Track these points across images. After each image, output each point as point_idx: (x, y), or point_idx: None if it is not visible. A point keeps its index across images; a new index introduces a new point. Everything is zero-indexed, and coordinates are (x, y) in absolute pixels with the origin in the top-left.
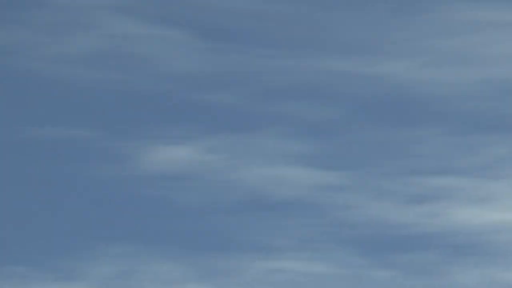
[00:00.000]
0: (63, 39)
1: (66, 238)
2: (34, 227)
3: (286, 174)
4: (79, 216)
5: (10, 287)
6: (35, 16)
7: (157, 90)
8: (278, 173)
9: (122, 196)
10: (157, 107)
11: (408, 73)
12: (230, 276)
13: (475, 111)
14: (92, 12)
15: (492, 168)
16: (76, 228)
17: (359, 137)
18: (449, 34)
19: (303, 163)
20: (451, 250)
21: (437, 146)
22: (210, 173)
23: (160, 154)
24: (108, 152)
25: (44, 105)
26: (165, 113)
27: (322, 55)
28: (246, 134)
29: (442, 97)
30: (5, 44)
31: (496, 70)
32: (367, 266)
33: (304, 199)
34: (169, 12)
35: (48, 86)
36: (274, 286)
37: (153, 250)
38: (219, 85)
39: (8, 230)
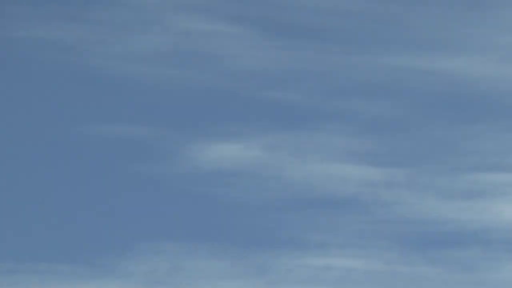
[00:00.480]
0: (129, 38)
1: (118, 235)
2: (87, 223)
3: (341, 171)
4: (135, 213)
5: (55, 285)
6: (102, 15)
7: (221, 88)
8: (333, 171)
9: (177, 193)
10: (220, 105)
11: (470, 69)
12: (280, 273)
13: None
14: (158, 10)
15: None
16: (130, 225)
17: (416, 134)
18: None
19: (359, 160)
20: (499, 247)
21: (492, 143)
22: (266, 170)
23: (218, 151)
24: (166, 149)
25: (109, 102)
26: (227, 110)
27: (390, 52)
28: (304, 132)
29: (499, 93)
30: (72, 42)
31: None
32: (412, 262)
33: (358, 196)
34: (236, 9)
35: (114, 83)
36: (323, 283)
37: (205, 246)
38: (282, 83)
39: (59, 226)
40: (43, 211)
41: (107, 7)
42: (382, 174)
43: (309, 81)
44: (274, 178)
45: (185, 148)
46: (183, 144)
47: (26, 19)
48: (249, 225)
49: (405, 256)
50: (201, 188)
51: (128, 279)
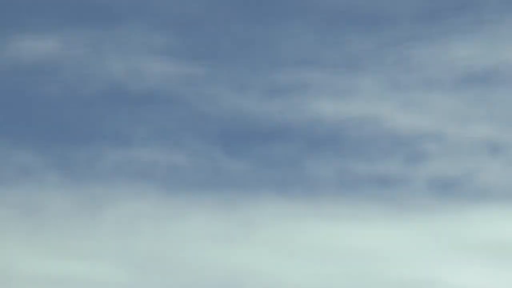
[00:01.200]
0: None
1: None
2: None
3: (148, 65)
4: None
5: None
6: None
7: None
8: (139, 65)
9: None
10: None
11: None
12: (88, 166)
13: (343, 6)
14: None
15: (356, 62)
16: None
17: (223, 30)
18: None
19: (166, 55)
20: (311, 142)
21: (302, 40)
22: (71, 64)
23: (20, 45)
24: None
25: None
26: (25, 4)
27: None
28: (108, 27)
29: None
30: None
31: None
32: (223, 158)
33: (165, 90)
34: None
35: None
36: (132, 175)
37: (11, 140)
38: None
39: None
40: None
41: None
42: (183, 69)
43: None
44: (74, 73)
45: None
46: None
47: None
48: (58, 120)
49: (212, 150)
50: (5, 83)
51: None
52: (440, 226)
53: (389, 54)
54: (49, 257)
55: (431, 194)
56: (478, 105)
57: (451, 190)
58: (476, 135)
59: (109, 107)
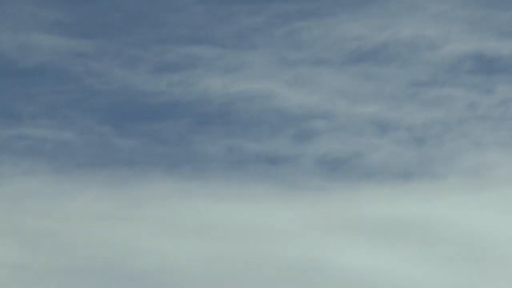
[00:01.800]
0: None
1: None
2: None
3: (35, 40)
4: None
5: None
6: None
7: None
8: (26, 40)
9: None
10: None
11: None
12: None
13: None
14: None
15: (245, 38)
16: None
17: (112, 5)
18: None
19: (54, 30)
20: (200, 119)
21: (191, 15)
22: None
23: None
24: None
25: None
26: None
27: None
28: None
29: None
30: None
31: None
32: (112, 134)
33: (54, 66)
34: None
35: None
36: (19, 153)
37: None
38: None
39: None
40: None
41: None
42: (72, 45)
43: None
44: None
45: None
46: None
47: None
48: None
49: (97, 127)
50: None
51: None
52: (328, 205)
53: (278, 30)
54: None
55: (320, 173)
56: (368, 83)
57: (340, 169)
58: (365, 114)
59: None
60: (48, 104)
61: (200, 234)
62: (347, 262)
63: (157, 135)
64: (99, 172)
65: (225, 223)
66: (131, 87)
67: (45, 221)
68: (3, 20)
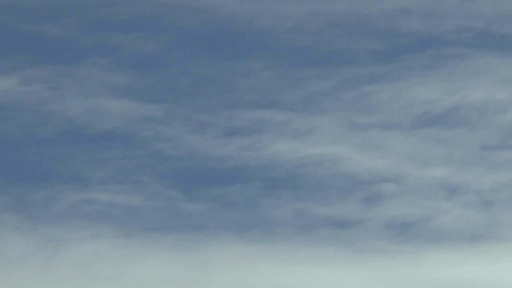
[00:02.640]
0: None
1: None
2: None
3: (106, 106)
4: None
5: None
6: None
7: None
8: (97, 105)
9: None
10: None
11: (236, 5)
12: (46, 207)
13: (301, 45)
14: None
15: (314, 102)
16: None
17: (181, 70)
18: None
19: (123, 95)
20: (269, 184)
21: (260, 80)
22: (30, 104)
23: None
24: None
25: None
26: None
27: None
28: (68, 66)
29: (269, 30)
30: None
31: (326, 3)
32: (181, 199)
33: (123, 131)
34: None
35: None
36: (88, 217)
37: None
38: (46, 16)
39: None
40: None
41: None
42: (141, 109)
43: (70, 15)
44: (33, 112)
45: None
46: None
47: None
48: (16, 159)
49: (169, 192)
50: None
51: None
52: (396, 269)
53: (347, 94)
54: None
55: (388, 236)
56: (437, 147)
57: (408, 232)
58: (434, 177)
59: (67, 147)
60: (117, 169)
61: None
62: None
63: (226, 199)
64: (168, 236)
65: (293, 286)
66: (199, 151)
67: (114, 285)
68: (73, 85)
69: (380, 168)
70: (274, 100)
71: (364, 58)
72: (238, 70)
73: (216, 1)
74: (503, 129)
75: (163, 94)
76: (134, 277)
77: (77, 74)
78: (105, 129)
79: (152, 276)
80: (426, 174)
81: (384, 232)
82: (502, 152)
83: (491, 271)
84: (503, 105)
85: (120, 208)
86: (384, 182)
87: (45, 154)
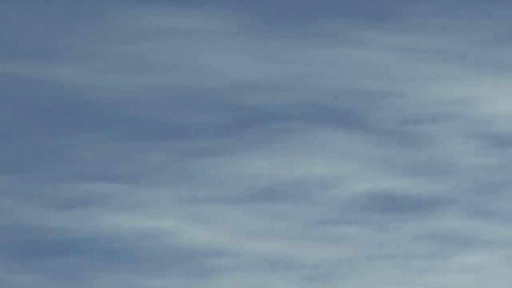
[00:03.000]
0: None
1: None
2: None
3: None
4: None
5: None
6: None
7: None
8: None
9: None
10: None
11: (74, 78)
12: None
13: (134, 118)
14: None
15: (146, 175)
16: None
17: (19, 142)
18: (121, 40)
19: None
20: (99, 256)
21: (93, 152)
22: None
23: None
24: None
25: None
26: None
27: None
28: None
29: (102, 103)
30: None
31: (159, 76)
32: (11, 271)
33: None
34: None
35: None
36: None
37: None
38: None
39: None
40: None
41: None
42: None
43: None
44: None
45: None
46: None
47: None
48: None
49: (4, 264)
50: None
51: None
52: None
53: (188, 167)
54: None
55: None
56: (276, 221)
57: None
58: (272, 251)
59: None
60: None
61: None
62: None
63: (55, 271)
64: None
65: None
66: (38, 224)
67: None
68: None
69: (216, 241)
70: (104, 173)
71: (205, 131)
72: (81, 142)
73: (61, 73)
74: (343, 204)
75: (6, 166)
76: None
77: None
78: None
79: None
80: (264, 248)
81: None
82: (342, 226)
83: None
84: (342, 180)
85: None
86: (220, 256)
87: None
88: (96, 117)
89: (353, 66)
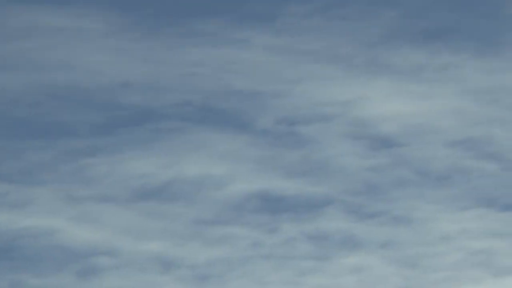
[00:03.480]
0: None
1: None
2: None
3: None
4: None
5: None
6: None
7: None
8: None
9: None
10: None
11: None
12: None
13: (19, 116)
14: None
15: (32, 174)
16: None
17: None
18: (2, 39)
19: None
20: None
21: None
22: None
23: None
24: None
25: None
26: None
27: None
28: None
29: None
30: None
31: (45, 75)
32: None
33: None
34: None
35: None
36: None
37: None
38: None
39: None
40: None
41: None
42: None
43: None
44: None
45: None
46: None
47: None
48: None
49: None
50: None
51: None
52: None
53: (65, 166)
54: None
55: None
56: (152, 220)
57: None
58: (149, 251)
59: None
60: None
61: None
62: None
63: None
64: None
65: None
66: None
67: None
68: None
69: (95, 241)
70: None
71: (82, 130)
72: None
73: None
74: (219, 204)
75: None
76: None
77: None
78: None
79: None
80: (141, 248)
81: None
82: (218, 227)
83: None
84: (218, 180)
85: None
86: (100, 255)
87: None
88: None
89: (228, 66)
